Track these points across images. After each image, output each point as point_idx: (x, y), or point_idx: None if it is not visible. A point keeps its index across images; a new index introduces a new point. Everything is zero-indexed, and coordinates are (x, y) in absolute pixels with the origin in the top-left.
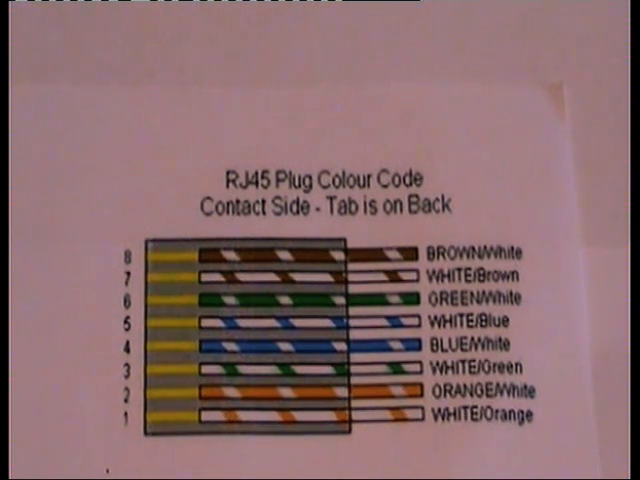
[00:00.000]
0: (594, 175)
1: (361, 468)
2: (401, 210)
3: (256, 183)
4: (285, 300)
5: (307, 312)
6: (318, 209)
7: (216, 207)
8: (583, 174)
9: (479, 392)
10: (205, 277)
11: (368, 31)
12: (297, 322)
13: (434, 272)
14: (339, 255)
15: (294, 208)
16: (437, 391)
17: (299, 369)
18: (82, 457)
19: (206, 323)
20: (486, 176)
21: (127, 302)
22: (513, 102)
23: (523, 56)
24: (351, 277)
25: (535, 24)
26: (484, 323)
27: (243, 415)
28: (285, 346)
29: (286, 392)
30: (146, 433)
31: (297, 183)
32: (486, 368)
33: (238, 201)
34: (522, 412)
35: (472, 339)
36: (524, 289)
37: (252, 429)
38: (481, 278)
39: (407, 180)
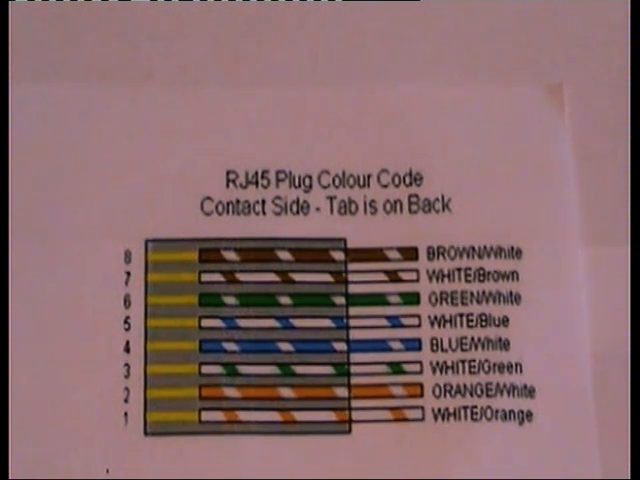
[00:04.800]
0: (594, 175)
1: (361, 468)
2: (401, 210)
3: (256, 183)
4: (285, 300)
5: (307, 312)
6: (318, 209)
7: (216, 207)
8: (583, 174)
9: (479, 392)
10: (205, 277)
11: (368, 31)
12: (297, 322)
13: (434, 272)
14: (339, 255)
15: (294, 208)
16: (437, 391)
17: (299, 369)
18: (82, 457)
19: (206, 323)
20: (486, 176)
21: (127, 302)
22: (513, 102)
23: (523, 56)
24: (351, 277)
25: (535, 24)
26: (484, 323)
27: (243, 415)
28: (285, 346)
29: (286, 392)
30: (146, 433)
31: (297, 183)
32: (486, 368)
33: (238, 201)
34: (522, 412)
35: (472, 339)
36: (524, 289)
37: (252, 429)
38: (481, 278)
39: (407, 180)
